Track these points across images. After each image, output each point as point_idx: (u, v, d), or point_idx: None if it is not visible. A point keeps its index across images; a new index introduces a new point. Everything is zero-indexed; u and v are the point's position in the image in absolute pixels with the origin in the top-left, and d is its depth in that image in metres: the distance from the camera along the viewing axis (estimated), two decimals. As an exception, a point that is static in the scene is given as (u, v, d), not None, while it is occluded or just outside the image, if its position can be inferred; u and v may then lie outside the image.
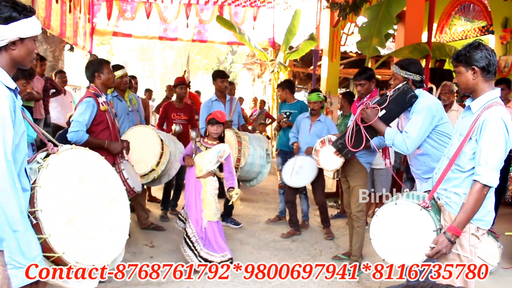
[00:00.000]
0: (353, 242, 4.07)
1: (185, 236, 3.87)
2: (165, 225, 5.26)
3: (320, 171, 4.79)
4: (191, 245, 3.82)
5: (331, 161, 3.97)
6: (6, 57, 1.78)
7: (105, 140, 3.65)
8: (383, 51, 8.67)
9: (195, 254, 3.79)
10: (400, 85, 2.97)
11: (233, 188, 3.88)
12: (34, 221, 1.79)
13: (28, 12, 1.79)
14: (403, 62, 3.11)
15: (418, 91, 2.98)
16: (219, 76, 5.23)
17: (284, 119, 5.50)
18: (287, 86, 5.67)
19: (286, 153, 5.48)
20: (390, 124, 3.08)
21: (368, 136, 3.10)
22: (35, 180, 1.85)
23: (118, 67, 4.65)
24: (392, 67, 3.21)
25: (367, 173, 4.06)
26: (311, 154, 4.40)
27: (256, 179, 5.00)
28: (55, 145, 2.01)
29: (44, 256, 1.82)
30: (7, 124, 1.68)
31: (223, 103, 5.17)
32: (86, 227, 2.00)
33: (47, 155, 1.96)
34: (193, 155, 4.01)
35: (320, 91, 5.04)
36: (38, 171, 1.87)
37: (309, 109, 4.97)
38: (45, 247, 1.82)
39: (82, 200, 2.01)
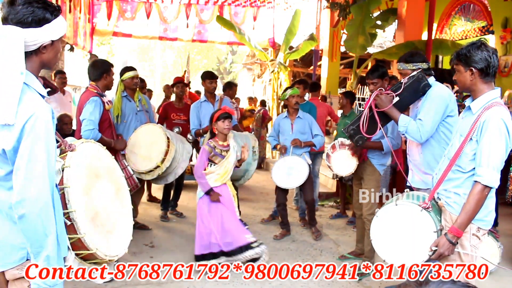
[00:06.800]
0: (365, 243, 4.01)
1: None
2: (165, 225, 5.26)
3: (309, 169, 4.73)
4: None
5: (344, 166, 3.92)
6: (37, 61, 1.64)
7: (111, 140, 3.96)
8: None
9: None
10: (415, 72, 2.93)
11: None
12: (69, 222, 1.78)
13: (57, 11, 1.66)
14: (405, 56, 3.07)
15: (431, 81, 2.95)
16: (208, 77, 5.25)
17: None
18: (306, 87, 5.75)
19: None
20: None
21: (380, 122, 2.98)
22: (61, 180, 1.80)
23: (130, 68, 4.79)
24: (397, 66, 3.14)
25: (380, 176, 3.91)
26: (300, 154, 4.46)
27: (243, 178, 4.90)
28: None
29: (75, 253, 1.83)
30: (51, 144, 1.56)
31: (212, 103, 5.20)
32: (105, 220, 2.01)
33: (62, 152, 1.90)
34: (210, 163, 3.85)
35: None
36: (62, 171, 1.82)
37: (287, 108, 4.98)
38: (77, 246, 1.82)
39: (99, 194, 2.02)
